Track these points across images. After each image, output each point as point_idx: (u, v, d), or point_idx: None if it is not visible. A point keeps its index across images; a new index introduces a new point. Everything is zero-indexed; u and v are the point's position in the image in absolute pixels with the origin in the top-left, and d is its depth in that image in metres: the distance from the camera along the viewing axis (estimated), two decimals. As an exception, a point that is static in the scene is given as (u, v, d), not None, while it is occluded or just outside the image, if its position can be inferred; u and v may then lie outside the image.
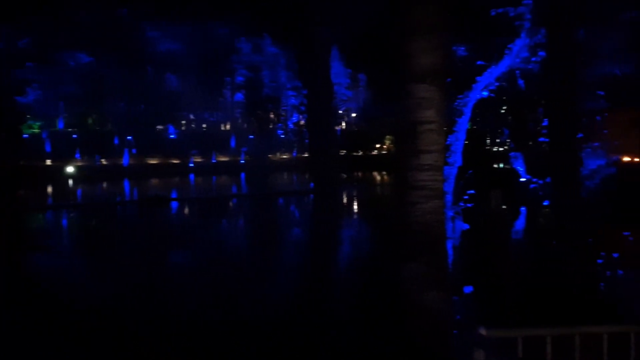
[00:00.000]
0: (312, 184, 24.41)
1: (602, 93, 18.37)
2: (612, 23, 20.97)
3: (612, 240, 13.38)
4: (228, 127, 45.78)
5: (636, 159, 29.86)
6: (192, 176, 36.27)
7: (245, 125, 44.36)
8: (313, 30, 20.51)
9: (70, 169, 34.62)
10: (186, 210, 24.19)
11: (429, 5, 5.88)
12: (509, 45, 11.77)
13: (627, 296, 9.10)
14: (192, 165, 38.13)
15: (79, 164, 36.23)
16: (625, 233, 14.03)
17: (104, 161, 37.51)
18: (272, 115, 45.79)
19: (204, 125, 45.93)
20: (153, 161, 38.36)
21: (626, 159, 30.27)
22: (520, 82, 17.96)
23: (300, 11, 20.49)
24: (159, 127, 43.11)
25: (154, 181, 33.64)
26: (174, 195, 26.68)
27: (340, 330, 8.31)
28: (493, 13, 14.08)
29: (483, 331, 3.87)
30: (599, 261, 11.32)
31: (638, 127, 28.03)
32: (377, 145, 45.92)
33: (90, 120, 43.37)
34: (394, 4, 6.23)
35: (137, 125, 38.53)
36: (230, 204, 26.12)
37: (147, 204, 23.69)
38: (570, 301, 8.96)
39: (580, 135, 15.22)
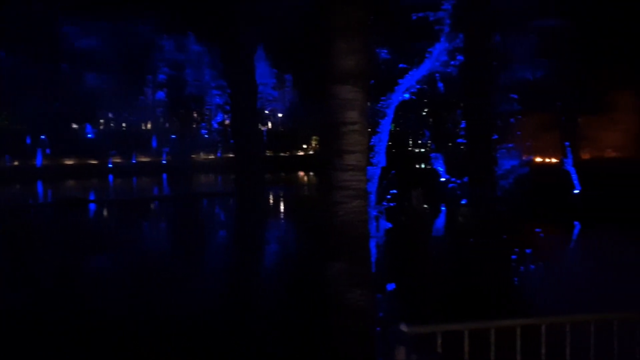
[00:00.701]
0: (235, 185, 24.17)
1: (515, 97, 19.30)
2: (525, 30, 22.06)
3: (525, 236, 14.05)
4: (149, 126, 44.58)
5: (548, 160, 31.61)
6: (111, 177, 35.04)
7: (168, 125, 43.32)
8: (238, 29, 20.28)
9: (-23, 170, 32.54)
10: (105, 213, 23.33)
11: (352, 8, 5.95)
12: (429, 49, 12.13)
13: (539, 290, 9.59)
14: (111, 166, 36.83)
15: (-13, 164, 34.15)
16: (537, 230, 14.77)
17: (15, 162, 35.52)
18: (195, 115, 44.97)
19: (124, 125, 44.50)
20: (69, 162, 36.75)
21: (538, 159, 31.98)
22: (440, 85, 18.56)
23: (225, 9, 20.20)
24: (75, 126, 41.35)
25: (71, 183, 32.23)
26: (91, 197, 25.66)
27: (264, 331, 8.25)
28: (414, 17, 14.46)
29: (404, 328, 3.92)
30: (513, 257, 11.86)
31: (549, 129, 29.68)
32: (304, 146, 46.11)
33: (-1, 118, 41.00)
34: (318, 6, 6.26)
35: (52, 123, 36.76)
36: (152, 206, 25.42)
37: (63, 206, 22.64)
38: (487, 296, 9.33)
39: (495, 136, 15.89)
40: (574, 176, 23.43)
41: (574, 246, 14.80)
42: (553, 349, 4.13)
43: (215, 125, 43.68)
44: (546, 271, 11.21)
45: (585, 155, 31.10)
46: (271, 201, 25.76)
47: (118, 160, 37.83)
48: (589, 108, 29.52)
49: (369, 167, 9.84)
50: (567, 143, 24.80)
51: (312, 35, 6.61)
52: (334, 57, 6.03)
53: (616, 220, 14.44)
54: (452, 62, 12.69)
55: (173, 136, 41.31)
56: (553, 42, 23.58)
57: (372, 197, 11.52)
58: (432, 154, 24.45)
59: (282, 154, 43.29)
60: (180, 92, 41.84)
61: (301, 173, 39.73)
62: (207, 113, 44.14)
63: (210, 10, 21.63)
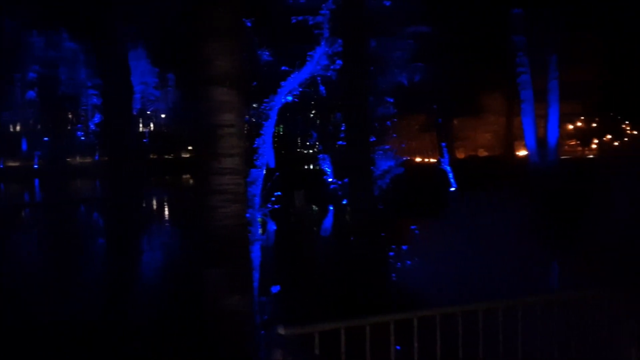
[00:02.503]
0: (111, 190, 23.08)
1: (391, 100, 20.08)
2: (401, 35, 23.02)
3: (401, 234, 14.62)
4: (18, 128, 41.44)
5: (427, 160, 33.31)
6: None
7: (40, 127, 40.43)
8: (111, 25, 19.29)
9: None
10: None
11: (223, 9, 5.85)
12: (310, 53, 12.27)
13: (414, 284, 10.01)
14: (-26, 171, 33.83)
15: None
16: (413, 227, 15.43)
17: None
18: (70, 116, 42.33)
19: (-11, 127, 41.04)
20: None
21: (418, 159, 33.61)
22: (322, 88, 18.89)
23: (97, 4, 19.15)
24: None
25: None
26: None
27: (141, 342, 7.96)
28: (294, 20, 14.57)
29: (281, 330, 3.90)
30: (391, 254, 12.31)
31: (428, 131, 31.29)
32: (189, 148, 44.96)
33: None
34: (189, 6, 6.12)
35: None
36: (22, 214, 23.68)
37: None
38: (366, 292, 9.61)
39: (372, 138, 16.42)
40: (450, 175, 24.86)
41: (447, 241, 15.57)
42: (425, 341, 4.30)
43: (92, 127, 41.41)
44: (421, 266, 11.75)
45: (460, 155, 33.15)
46: (150, 205, 24.92)
47: (-18, 165, 34.89)
48: (462, 110, 31.45)
49: (253, 170, 9.79)
50: (443, 144, 26.25)
51: (188, 35, 6.45)
52: (208, 58, 5.91)
53: (489, 215, 15.36)
54: (332, 66, 12.93)
55: (46, 139, 38.64)
56: (428, 47, 24.83)
57: (257, 200, 11.47)
58: (320, 155, 24.80)
59: (167, 157, 42.01)
60: (53, 91, 39.15)
61: (187, 176, 38.77)
62: (83, 114, 41.75)
63: (81, 5, 20.46)
